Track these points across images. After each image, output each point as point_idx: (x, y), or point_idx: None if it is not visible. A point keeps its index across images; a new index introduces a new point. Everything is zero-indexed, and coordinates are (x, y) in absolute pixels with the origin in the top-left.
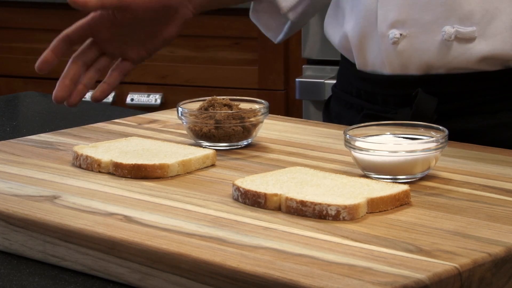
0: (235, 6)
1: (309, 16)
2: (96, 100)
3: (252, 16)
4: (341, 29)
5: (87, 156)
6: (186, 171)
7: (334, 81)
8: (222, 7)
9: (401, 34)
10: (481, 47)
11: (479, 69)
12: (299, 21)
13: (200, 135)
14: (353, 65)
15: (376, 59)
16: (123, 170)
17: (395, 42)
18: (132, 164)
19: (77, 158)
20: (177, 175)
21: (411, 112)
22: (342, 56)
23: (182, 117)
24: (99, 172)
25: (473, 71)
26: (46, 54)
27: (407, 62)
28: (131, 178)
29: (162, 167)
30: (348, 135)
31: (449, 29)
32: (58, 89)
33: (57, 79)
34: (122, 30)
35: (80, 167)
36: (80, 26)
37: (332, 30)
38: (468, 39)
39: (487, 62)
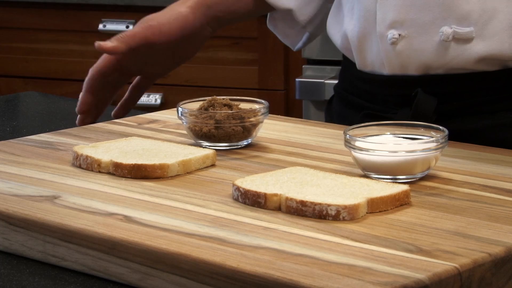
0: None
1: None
2: (117, 117)
3: (269, 24)
4: (341, 29)
5: (87, 156)
6: (186, 171)
7: (334, 81)
8: (238, 22)
9: (399, 35)
10: (479, 48)
11: (478, 69)
12: (317, 32)
13: (200, 135)
14: (354, 65)
15: (376, 59)
16: (123, 170)
17: (394, 43)
18: (132, 164)
19: (77, 158)
20: (177, 175)
21: (411, 112)
22: (343, 55)
23: (182, 117)
24: (99, 172)
25: (471, 72)
26: (84, 96)
27: (406, 63)
28: (131, 178)
29: (162, 167)
30: (348, 135)
31: (446, 30)
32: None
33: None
34: (145, 58)
35: (80, 167)
36: (110, 61)
37: (334, 31)
38: (466, 40)
39: (485, 63)
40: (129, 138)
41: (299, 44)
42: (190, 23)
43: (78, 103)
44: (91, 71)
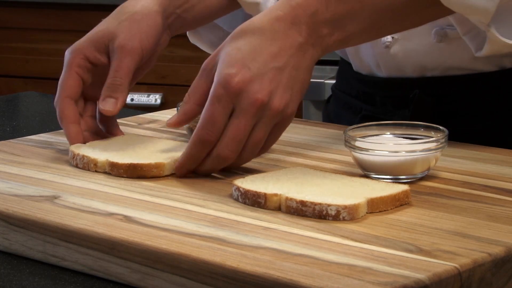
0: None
1: None
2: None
3: (192, 39)
4: None
5: (83, 156)
6: None
7: (334, 81)
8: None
9: (392, 38)
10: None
11: (474, 69)
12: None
13: None
14: (351, 66)
15: (371, 62)
16: (119, 170)
17: (388, 46)
18: (128, 163)
19: (73, 157)
20: None
21: (409, 114)
22: (341, 56)
23: None
24: (96, 171)
25: (469, 72)
26: (69, 127)
27: (402, 65)
28: (127, 177)
29: (158, 166)
30: (348, 135)
31: (438, 31)
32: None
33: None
34: (101, 77)
35: (77, 166)
36: (73, 82)
37: None
38: (459, 39)
39: (481, 61)
40: (126, 135)
41: None
42: (160, 30)
43: (69, 137)
44: (61, 100)
